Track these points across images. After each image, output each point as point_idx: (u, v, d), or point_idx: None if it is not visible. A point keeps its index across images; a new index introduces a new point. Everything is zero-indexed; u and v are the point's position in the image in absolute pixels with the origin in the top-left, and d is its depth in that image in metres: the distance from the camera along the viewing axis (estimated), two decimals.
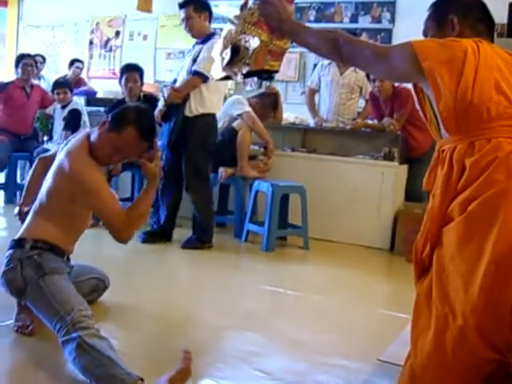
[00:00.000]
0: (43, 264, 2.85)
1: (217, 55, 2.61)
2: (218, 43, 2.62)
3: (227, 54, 2.53)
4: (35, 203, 3.08)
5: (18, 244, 2.96)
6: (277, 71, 2.65)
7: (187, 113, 5.14)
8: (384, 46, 2.50)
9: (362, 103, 6.90)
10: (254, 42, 2.48)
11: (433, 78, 2.16)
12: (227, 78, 2.65)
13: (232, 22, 2.56)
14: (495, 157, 2.10)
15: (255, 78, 2.70)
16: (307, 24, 2.82)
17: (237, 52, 2.51)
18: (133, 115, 3.02)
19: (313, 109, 6.90)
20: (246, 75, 2.58)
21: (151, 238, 5.40)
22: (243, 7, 2.56)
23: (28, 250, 2.90)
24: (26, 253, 2.90)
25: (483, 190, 2.09)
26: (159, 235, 5.47)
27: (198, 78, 5.10)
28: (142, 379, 2.32)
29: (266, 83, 3.05)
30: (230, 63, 2.54)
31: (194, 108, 5.14)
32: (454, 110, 2.17)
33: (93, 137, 3.04)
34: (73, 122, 6.70)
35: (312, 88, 6.96)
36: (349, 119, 6.62)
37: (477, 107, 2.15)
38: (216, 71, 2.66)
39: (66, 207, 2.99)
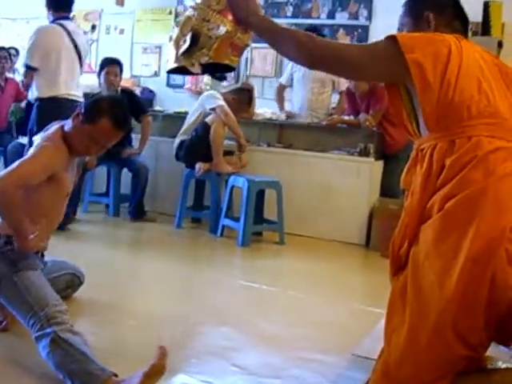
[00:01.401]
0: (17, 260, 2.82)
1: (171, 44, 2.42)
2: (174, 30, 2.42)
3: (185, 41, 2.34)
4: None
5: None
6: (234, 69, 2.53)
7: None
8: (362, 46, 2.48)
9: (336, 98, 6.94)
10: (219, 31, 2.31)
11: (417, 71, 2.15)
12: (182, 69, 2.42)
13: (194, 8, 2.37)
14: (474, 155, 2.11)
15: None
16: (284, 20, 2.72)
17: (196, 40, 2.33)
18: (106, 105, 2.99)
19: (281, 103, 6.96)
20: (204, 67, 2.38)
21: None
22: None
23: (2, 245, 2.87)
24: None
25: (461, 188, 2.10)
26: None
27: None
28: (115, 375, 2.31)
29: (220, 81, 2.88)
30: (188, 52, 2.35)
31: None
32: (436, 106, 2.17)
33: (67, 128, 3.01)
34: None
35: (283, 84, 7.04)
36: (322, 114, 6.66)
37: (457, 105, 2.15)
38: (169, 61, 2.45)
39: (32, 197, 2.89)
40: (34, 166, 2.82)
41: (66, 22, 5.37)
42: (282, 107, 6.91)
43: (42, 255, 3.14)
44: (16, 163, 2.78)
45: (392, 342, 2.20)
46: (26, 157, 2.85)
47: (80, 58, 5.45)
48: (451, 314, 2.04)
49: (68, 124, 3.03)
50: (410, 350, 2.12)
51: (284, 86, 7.04)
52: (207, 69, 2.42)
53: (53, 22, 5.37)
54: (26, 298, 2.65)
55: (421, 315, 2.11)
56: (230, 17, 2.34)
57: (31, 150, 2.88)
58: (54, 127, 3.09)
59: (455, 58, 2.16)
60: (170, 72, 2.51)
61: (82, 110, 2.99)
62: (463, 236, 2.05)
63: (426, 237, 2.16)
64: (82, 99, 5.25)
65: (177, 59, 2.38)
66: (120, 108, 3.06)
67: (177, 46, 2.38)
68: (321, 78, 6.66)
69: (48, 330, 2.46)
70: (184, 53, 2.35)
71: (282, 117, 6.60)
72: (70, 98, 5.25)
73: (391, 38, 2.21)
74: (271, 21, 2.42)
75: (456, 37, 2.25)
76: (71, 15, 5.58)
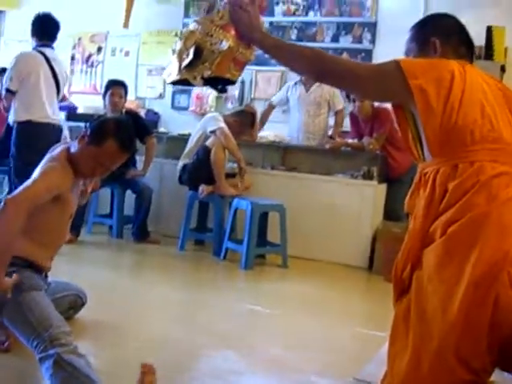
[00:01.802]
0: (21, 281, 2.82)
1: (173, 57, 2.46)
2: (177, 43, 2.46)
3: (188, 55, 2.38)
4: None
5: None
6: (234, 83, 2.53)
7: None
8: (367, 65, 2.50)
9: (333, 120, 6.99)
10: (221, 46, 2.35)
11: (420, 97, 2.16)
12: (183, 81, 2.46)
13: (198, 23, 2.42)
14: (477, 180, 2.11)
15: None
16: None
17: (199, 54, 2.37)
18: (112, 127, 3.01)
19: (263, 122, 6.92)
20: (206, 81, 2.42)
21: None
22: (209, 9, 2.43)
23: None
24: None
25: (464, 213, 2.10)
26: None
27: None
28: None
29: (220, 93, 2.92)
30: (190, 65, 2.39)
31: None
32: (439, 131, 2.17)
33: (73, 149, 3.02)
34: None
35: (273, 104, 7.06)
36: (319, 136, 6.68)
37: (461, 130, 2.16)
38: (171, 74, 2.49)
39: (37, 217, 2.88)
40: (39, 186, 2.82)
41: (46, 50, 5.61)
42: (261, 127, 6.83)
43: (46, 276, 3.14)
44: (23, 185, 2.78)
45: (395, 367, 2.19)
46: (32, 178, 2.85)
47: (58, 85, 5.65)
48: (453, 338, 2.03)
49: (74, 146, 3.04)
50: (412, 374, 2.11)
51: (273, 107, 7.06)
52: (208, 81, 2.45)
53: (35, 48, 5.64)
54: (29, 319, 2.64)
55: (424, 339, 2.10)
56: (233, 32, 2.37)
57: (37, 171, 2.89)
58: (59, 148, 3.11)
59: (458, 83, 2.17)
60: (172, 83, 2.54)
61: (88, 132, 3.01)
62: (466, 261, 2.05)
63: (429, 261, 2.16)
64: (60, 123, 5.58)
65: (179, 72, 2.42)
66: (126, 129, 3.08)
67: (180, 58, 2.42)
68: (316, 101, 6.69)
69: (51, 352, 2.44)
70: (187, 66, 2.39)
71: (287, 140, 6.61)
72: (48, 121, 5.45)
73: (395, 63, 2.23)
74: (275, 37, 2.49)
75: (460, 62, 2.27)
76: (54, 44, 5.76)
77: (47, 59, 5.52)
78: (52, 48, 5.71)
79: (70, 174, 2.98)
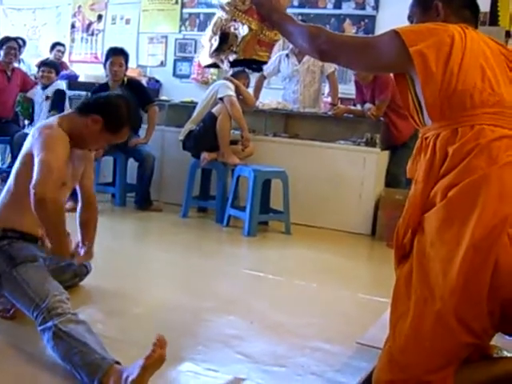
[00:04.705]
0: (14, 254, 2.83)
1: (206, 42, 2.59)
2: (207, 30, 2.60)
3: (216, 40, 2.52)
4: (3, 193, 3.04)
5: None
6: (265, 62, 2.66)
7: None
8: (366, 38, 2.51)
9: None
10: (243, 30, 2.47)
11: (420, 63, 2.16)
12: (214, 65, 2.64)
13: (223, 9, 2.54)
14: (477, 144, 2.11)
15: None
16: (291, 9, 2.78)
17: (225, 39, 2.50)
18: (126, 114, 3.09)
19: (257, 92, 6.88)
20: (233, 63, 2.57)
21: None
22: None
23: None
24: None
25: (464, 176, 2.10)
26: None
27: None
28: (117, 362, 2.31)
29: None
30: (218, 50, 2.53)
31: None
32: (438, 96, 2.17)
33: (77, 126, 3.01)
34: (59, 102, 6.68)
35: (263, 74, 6.96)
36: (316, 104, 6.69)
37: (460, 94, 2.15)
38: (204, 58, 2.64)
39: (24, 185, 2.83)
40: (58, 161, 2.84)
41: None
42: (257, 97, 6.80)
43: (42, 244, 3.09)
44: (40, 165, 2.77)
45: (397, 330, 2.21)
46: (43, 154, 2.81)
47: None
48: (454, 300, 2.05)
49: (74, 121, 3.04)
50: (414, 337, 2.13)
51: (265, 77, 7.01)
52: (240, 63, 2.61)
53: None
54: (26, 291, 2.67)
55: (426, 302, 2.12)
56: (256, 15, 2.49)
57: (40, 144, 2.85)
58: (52, 118, 3.10)
59: (458, 48, 2.16)
60: (205, 67, 2.74)
61: (101, 118, 3.01)
62: (466, 224, 2.06)
63: (430, 226, 2.16)
64: None
65: (210, 56, 2.59)
66: (135, 112, 3.21)
67: (209, 43, 2.56)
68: (310, 70, 6.67)
69: (49, 324, 2.47)
70: (215, 51, 2.53)
71: (289, 106, 6.59)
72: None
73: (394, 32, 2.22)
74: (290, 17, 2.52)
75: (461, 26, 2.25)
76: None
77: None
78: None
79: (67, 144, 2.97)
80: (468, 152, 2.12)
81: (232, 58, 2.52)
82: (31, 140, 2.93)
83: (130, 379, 2.20)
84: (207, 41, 2.58)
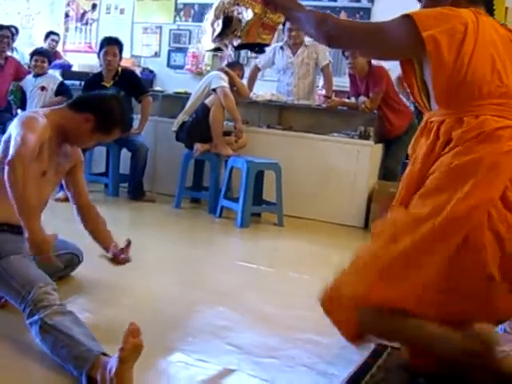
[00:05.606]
0: None
1: (208, 26, 2.56)
2: (209, 13, 2.57)
3: (219, 25, 2.49)
4: None
5: None
6: (268, 45, 2.63)
7: None
8: (375, 23, 2.47)
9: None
10: (247, 14, 2.44)
11: (433, 49, 2.14)
12: (217, 49, 2.62)
13: None
14: (482, 131, 2.14)
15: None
16: None
17: (229, 23, 2.47)
18: (119, 116, 3.09)
19: (251, 84, 6.87)
20: (237, 48, 2.56)
21: None
22: None
23: None
24: None
25: (463, 157, 2.14)
26: None
27: None
28: (104, 353, 2.28)
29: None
30: (221, 35, 2.50)
31: None
32: (447, 83, 2.17)
33: (68, 122, 2.99)
34: (67, 92, 6.72)
35: (258, 67, 6.99)
36: (310, 96, 6.68)
37: (469, 84, 2.16)
38: (206, 42, 2.61)
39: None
40: (35, 134, 2.76)
41: None
42: (251, 88, 6.78)
43: None
44: (16, 141, 2.69)
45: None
46: (19, 130, 2.75)
47: None
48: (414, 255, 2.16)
49: (65, 115, 3.02)
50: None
51: (259, 69, 7.02)
52: (243, 46, 2.58)
53: None
54: (11, 284, 2.64)
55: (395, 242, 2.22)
56: None
57: (18, 127, 2.79)
58: (40, 109, 3.08)
59: (471, 37, 2.15)
60: (207, 51, 2.72)
61: (93, 117, 2.99)
62: (452, 197, 2.11)
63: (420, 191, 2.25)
64: None
65: (213, 40, 2.56)
66: (128, 113, 3.22)
67: (212, 27, 2.53)
68: (304, 62, 6.65)
69: (35, 318, 2.45)
70: (218, 35, 2.51)
71: (283, 98, 6.58)
72: None
73: (406, 17, 2.19)
74: (296, 2, 2.49)
75: (473, 11, 2.22)
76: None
77: None
78: None
79: (48, 132, 2.90)
80: (472, 137, 2.15)
81: (236, 42, 2.50)
82: (12, 127, 2.87)
83: (112, 371, 2.18)
84: (209, 25, 2.55)
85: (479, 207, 2.08)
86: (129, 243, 3.16)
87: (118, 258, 3.13)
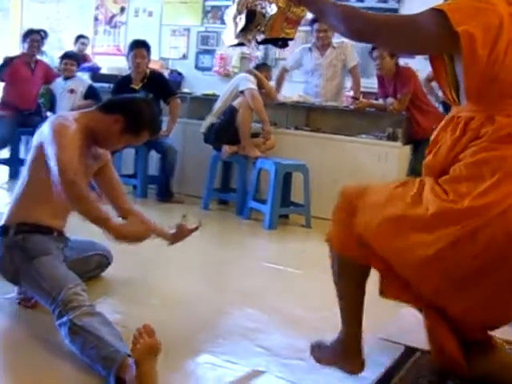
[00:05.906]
0: (29, 248, 2.83)
1: (230, 21, 2.52)
2: (231, 8, 2.52)
3: (241, 19, 2.44)
4: (17, 186, 3.03)
5: (2, 231, 2.94)
6: (292, 39, 2.56)
7: None
8: (404, 16, 2.37)
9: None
10: (271, 9, 2.39)
11: (467, 44, 2.05)
12: (240, 44, 2.57)
13: None
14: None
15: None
16: None
17: (252, 18, 2.42)
18: (147, 118, 3.12)
19: (278, 85, 6.88)
20: (260, 42, 2.50)
21: None
22: None
23: (12, 235, 2.89)
24: (11, 239, 2.89)
25: (492, 151, 2.09)
26: None
27: None
28: (129, 355, 2.27)
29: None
30: (244, 30, 2.45)
31: None
32: (479, 79, 2.10)
33: (98, 123, 3.02)
34: (95, 95, 6.82)
35: (286, 68, 6.99)
36: (338, 98, 6.68)
37: (502, 82, 2.10)
38: (228, 38, 2.56)
39: (44, 176, 2.82)
40: (74, 150, 2.79)
41: None
42: (279, 90, 6.80)
43: (60, 234, 3.10)
44: (56, 152, 2.72)
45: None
46: (57, 142, 2.76)
47: None
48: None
49: (94, 117, 3.04)
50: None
51: (287, 71, 7.02)
52: (266, 41, 2.51)
53: None
54: (42, 285, 2.68)
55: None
56: None
57: (51, 137, 2.80)
58: (70, 112, 3.11)
59: (506, 31, 2.07)
60: (230, 46, 2.65)
61: (122, 118, 3.01)
62: (475, 188, 2.07)
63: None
64: None
65: (236, 36, 2.51)
66: (157, 117, 3.27)
67: (234, 22, 2.49)
68: (332, 63, 6.64)
69: (65, 319, 2.48)
70: (241, 30, 2.45)
71: (311, 100, 6.57)
72: None
73: (437, 10, 2.10)
74: None
75: (508, 2, 2.13)
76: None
77: None
78: None
79: (79, 137, 2.89)
80: (501, 136, 2.10)
81: (260, 38, 2.45)
82: (43, 131, 2.90)
83: (132, 374, 2.19)
84: (231, 20, 2.50)
85: (497, 204, 2.02)
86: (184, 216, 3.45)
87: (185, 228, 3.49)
